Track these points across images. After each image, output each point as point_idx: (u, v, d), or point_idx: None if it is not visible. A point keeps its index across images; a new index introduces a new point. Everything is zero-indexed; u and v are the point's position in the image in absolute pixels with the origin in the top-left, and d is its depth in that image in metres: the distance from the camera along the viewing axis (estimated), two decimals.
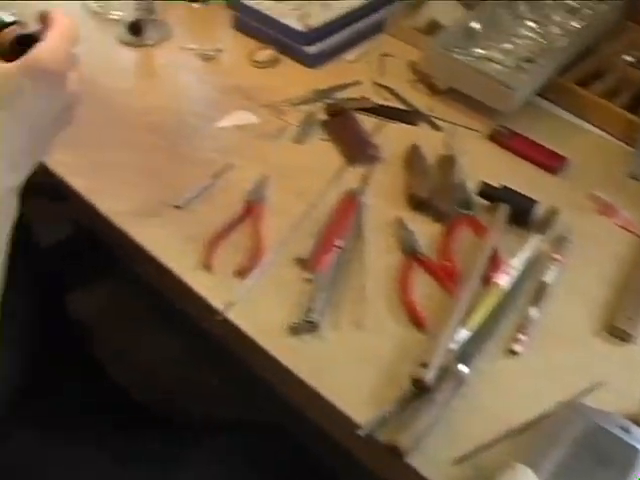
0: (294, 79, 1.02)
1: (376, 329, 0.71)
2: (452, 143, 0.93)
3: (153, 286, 0.81)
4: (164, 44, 1.08)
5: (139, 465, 0.75)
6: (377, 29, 1.12)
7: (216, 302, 0.71)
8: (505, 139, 0.94)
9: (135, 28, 1.04)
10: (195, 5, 1.17)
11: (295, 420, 0.72)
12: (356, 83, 1.03)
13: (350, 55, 1.08)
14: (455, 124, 0.98)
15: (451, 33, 1.02)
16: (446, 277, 0.77)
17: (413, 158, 0.91)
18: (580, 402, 0.65)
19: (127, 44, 1.08)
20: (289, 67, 1.04)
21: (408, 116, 0.99)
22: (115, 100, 0.97)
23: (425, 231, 0.81)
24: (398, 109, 0.99)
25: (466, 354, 0.68)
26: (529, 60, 1.01)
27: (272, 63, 1.03)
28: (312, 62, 1.03)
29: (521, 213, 0.82)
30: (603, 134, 0.98)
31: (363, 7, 1.10)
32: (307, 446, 0.82)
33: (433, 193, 0.86)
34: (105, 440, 0.77)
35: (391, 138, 0.93)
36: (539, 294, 0.75)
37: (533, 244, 0.79)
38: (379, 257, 0.78)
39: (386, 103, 0.99)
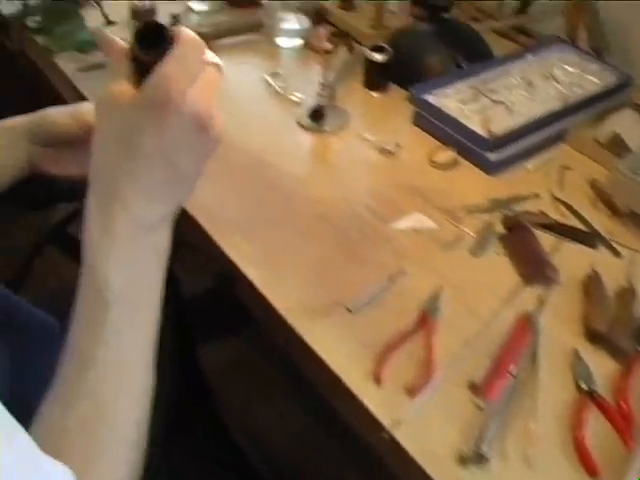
0: (472, 184, 1.03)
1: (545, 469, 0.70)
2: (633, 273, 0.92)
3: (286, 355, 0.83)
4: (341, 132, 1.12)
5: None
6: (558, 139, 1.13)
7: (384, 419, 0.72)
8: None
9: (317, 115, 1.09)
10: (375, 94, 1.21)
11: None
12: (534, 196, 1.03)
13: (529, 164, 1.09)
14: (637, 251, 0.96)
15: (638, 157, 1.01)
16: (622, 422, 0.75)
17: (591, 285, 0.90)
18: None
19: (305, 128, 1.12)
20: (467, 171, 1.06)
21: (587, 238, 0.98)
22: (287, 184, 1.02)
23: (601, 367, 0.80)
24: (577, 229, 0.99)
25: None
26: None
27: (451, 165, 1.05)
28: (492, 169, 1.05)
29: None
30: None
31: (546, 116, 1.11)
32: None
33: (611, 327, 0.85)
34: None
35: (569, 259, 0.93)
36: None
37: None
38: (552, 390, 0.77)
39: (565, 221, 1.00)
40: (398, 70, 1.20)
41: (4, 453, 0.44)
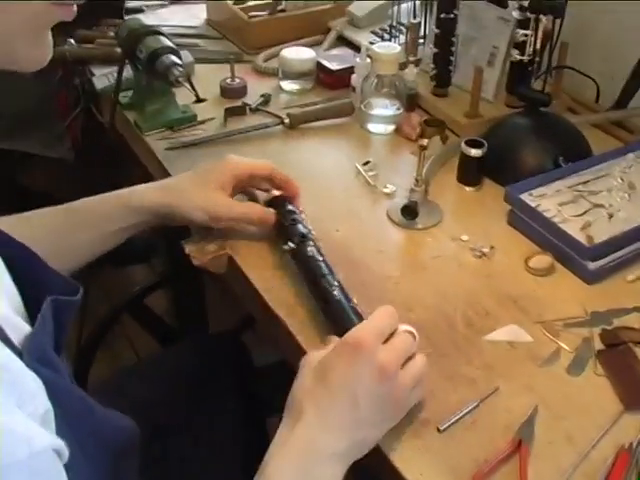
0: (569, 294, 1.02)
1: None
2: None
3: None
4: (434, 230, 1.12)
5: None
6: None
7: None
8: None
9: (410, 212, 1.09)
10: (468, 189, 1.21)
11: None
12: (636, 309, 1.01)
13: (630, 274, 1.06)
14: None
15: None
16: None
17: None
18: None
19: (396, 224, 1.12)
20: (565, 278, 1.04)
21: None
22: (377, 285, 1.02)
23: None
24: None
25: None
26: None
27: (547, 271, 1.04)
28: (591, 278, 1.03)
29: None
30: None
31: None
32: None
33: None
34: None
35: None
36: None
37: None
38: None
39: None
40: (492, 163, 1.20)
41: None
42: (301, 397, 0.72)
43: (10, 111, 1.73)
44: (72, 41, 1.57)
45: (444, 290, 1.01)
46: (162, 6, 1.89)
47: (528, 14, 1.23)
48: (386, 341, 0.75)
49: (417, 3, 1.56)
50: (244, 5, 1.71)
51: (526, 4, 1.21)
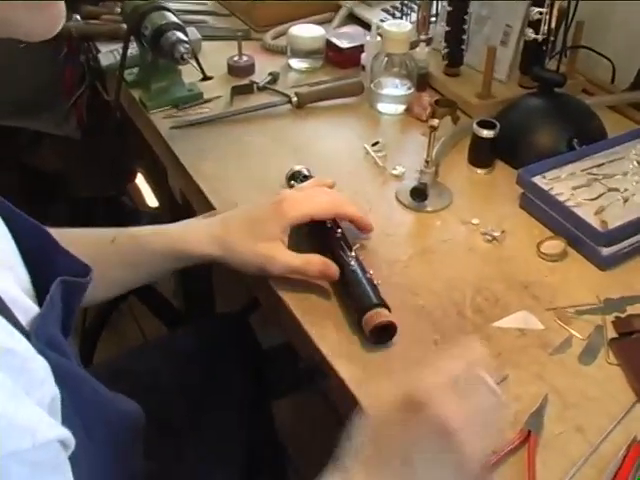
0: (582, 280, 1.00)
1: None
2: None
3: None
4: (443, 212, 1.10)
5: None
6: None
7: None
8: None
9: (419, 194, 1.07)
10: (479, 171, 1.18)
11: None
12: None
13: None
14: None
15: None
16: None
17: None
18: None
19: (405, 206, 1.10)
20: (577, 264, 1.02)
21: None
22: (384, 268, 1.00)
23: None
24: None
25: None
26: None
27: (560, 256, 1.02)
28: (604, 264, 1.01)
29: None
30: None
31: None
32: None
33: None
34: None
35: None
36: None
37: None
38: None
39: None
40: (505, 145, 1.18)
41: None
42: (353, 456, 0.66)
43: (18, 90, 1.71)
44: (78, 17, 1.55)
45: (453, 275, 0.99)
46: None
47: None
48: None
49: None
50: None
51: None
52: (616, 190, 1.09)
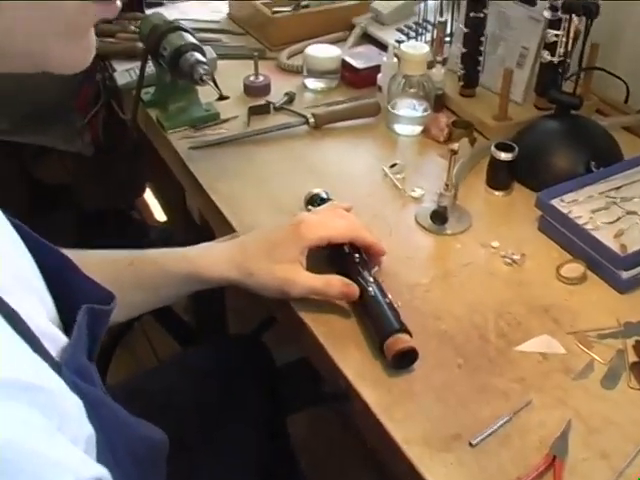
0: (602, 303, 1.01)
1: None
2: None
3: None
4: (463, 236, 1.11)
5: None
6: None
7: None
8: None
9: (439, 217, 1.09)
10: (497, 193, 1.20)
11: None
12: None
13: None
14: None
15: None
16: None
17: None
18: None
19: (425, 229, 1.11)
20: (597, 287, 1.03)
21: None
22: (405, 293, 1.01)
23: None
24: None
25: None
26: None
27: (580, 280, 1.03)
28: (623, 287, 1.02)
29: None
30: None
31: None
32: None
33: None
34: None
35: None
36: None
37: None
38: None
39: None
40: (523, 167, 1.20)
41: None
42: None
43: (30, 105, 1.72)
44: None
45: (475, 299, 1.00)
46: (182, 0, 1.88)
47: (560, 14, 1.22)
48: None
49: (444, 1, 1.53)
50: (267, 1, 1.69)
51: (558, 4, 1.20)
52: (634, 213, 1.11)
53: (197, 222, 1.38)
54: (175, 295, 1.00)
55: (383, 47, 1.57)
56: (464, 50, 1.37)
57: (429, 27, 1.59)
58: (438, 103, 1.40)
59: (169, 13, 1.51)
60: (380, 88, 1.43)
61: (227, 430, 1.10)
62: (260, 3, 1.67)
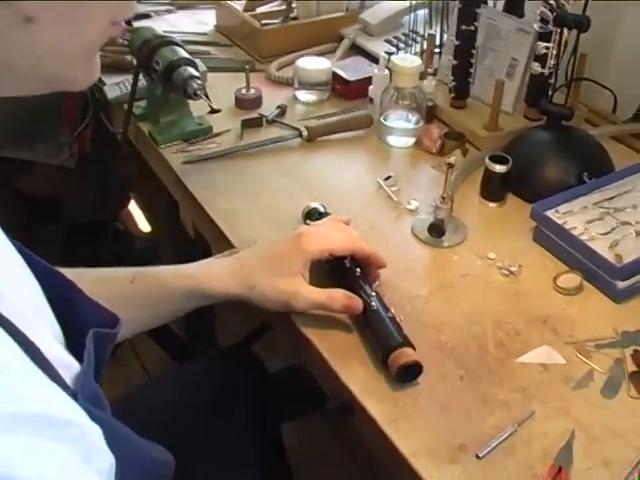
0: (599, 313, 1.03)
1: None
2: None
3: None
4: (459, 248, 1.13)
5: None
6: None
7: None
8: None
9: (436, 230, 1.11)
10: (491, 205, 1.22)
11: None
12: None
13: None
14: None
15: None
16: None
17: None
18: None
19: (422, 241, 1.13)
20: (593, 297, 1.06)
21: None
22: (406, 305, 1.03)
23: None
24: None
25: None
26: None
27: (576, 290, 1.05)
28: (619, 297, 1.05)
29: None
30: None
31: None
32: None
33: None
34: None
35: None
36: None
37: None
38: None
39: None
40: (516, 179, 1.22)
41: None
42: None
43: (15, 119, 1.73)
44: None
45: (473, 310, 1.02)
46: (169, 12, 1.90)
47: (551, 27, 1.24)
48: None
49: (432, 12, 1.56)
50: (255, 12, 1.71)
51: (549, 17, 1.22)
52: (628, 224, 1.13)
53: (191, 236, 1.39)
54: (177, 311, 1.01)
55: (372, 58, 1.59)
56: (455, 62, 1.40)
57: (418, 38, 1.61)
58: (429, 114, 1.42)
59: (156, 25, 1.52)
60: (371, 100, 1.45)
61: (222, 442, 1.11)
62: (248, 15, 1.69)
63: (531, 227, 1.17)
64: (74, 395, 0.54)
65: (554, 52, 1.30)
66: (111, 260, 1.08)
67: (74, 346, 0.61)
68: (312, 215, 1.12)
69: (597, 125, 1.45)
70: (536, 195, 1.18)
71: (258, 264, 0.94)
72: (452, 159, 1.06)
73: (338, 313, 0.97)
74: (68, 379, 0.56)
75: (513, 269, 1.08)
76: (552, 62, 1.31)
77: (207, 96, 1.35)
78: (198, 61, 1.45)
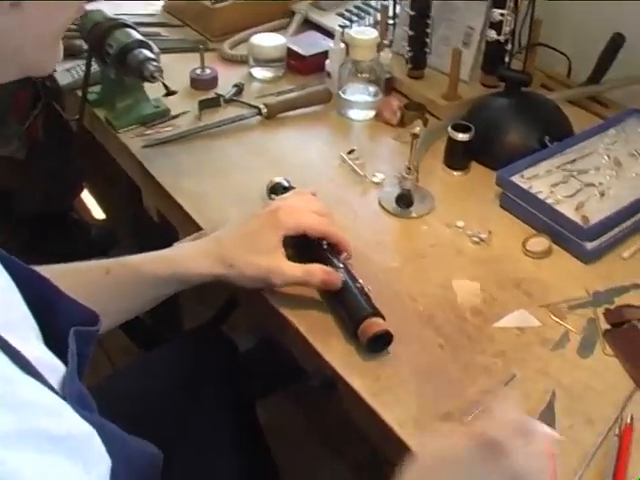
0: (569, 274, 1.05)
1: None
2: None
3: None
4: (428, 217, 1.14)
5: None
6: None
7: None
8: None
9: (405, 200, 1.11)
10: (456, 174, 1.23)
11: None
12: (635, 286, 1.05)
13: (625, 251, 1.10)
14: None
15: None
16: None
17: None
18: None
19: (390, 213, 1.14)
20: (563, 259, 1.08)
21: None
22: (381, 278, 1.03)
23: None
24: None
25: None
26: None
27: (546, 253, 1.07)
28: (588, 258, 1.07)
29: None
30: None
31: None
32: None
33: None
34: None
35: None
36: None
37: None
38: None
39: None
40: (478, 146, 1.23)
41: None
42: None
43: None
44: None
45: (447, 279, 1.03)
46: None
47: None
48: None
49: None
50: None
51: None
52: (592, 185, 1.15)
53: (155, 221, 1.37)
54: (155, 298, 1.00)
55: (325, 32, 1.58)
56: (411, 33, 1.40)
57: (370, 10, 1.61)
58: (388, 86, 1.43)
59: (102, 7, 1.48)
60: (329, 74, 1.45)
61: (197, 429, 1.10)
62: None
63: (497, 194, 1.18)
64: (63, 399, 0.53)
65: (509, 19, 1.30)
66: (67, 249, 1.06)
67: (54, 345, 0.60)
68: (277, 190, 1.12)
69: (553, 90, 1.47)
70: (499, 162, 1.20)
71: (235, 242, 0.93)
72: (416, 129, 1.06)
73: (316, 288, 0.97)
74: (55, 382, 0.55)
75: (483, 236, 1.09)
76: (508, 29, 1.31)
77: (161, 76, 1.33)
78: (151, 43, 1.43)
